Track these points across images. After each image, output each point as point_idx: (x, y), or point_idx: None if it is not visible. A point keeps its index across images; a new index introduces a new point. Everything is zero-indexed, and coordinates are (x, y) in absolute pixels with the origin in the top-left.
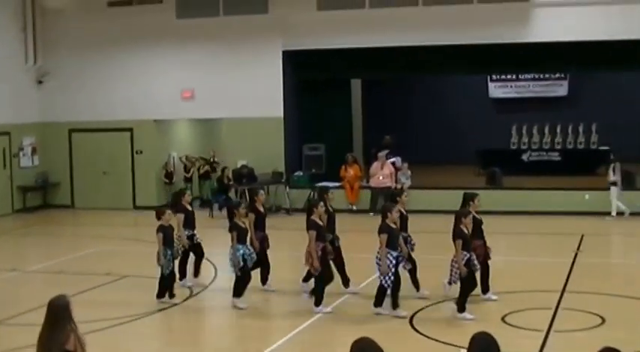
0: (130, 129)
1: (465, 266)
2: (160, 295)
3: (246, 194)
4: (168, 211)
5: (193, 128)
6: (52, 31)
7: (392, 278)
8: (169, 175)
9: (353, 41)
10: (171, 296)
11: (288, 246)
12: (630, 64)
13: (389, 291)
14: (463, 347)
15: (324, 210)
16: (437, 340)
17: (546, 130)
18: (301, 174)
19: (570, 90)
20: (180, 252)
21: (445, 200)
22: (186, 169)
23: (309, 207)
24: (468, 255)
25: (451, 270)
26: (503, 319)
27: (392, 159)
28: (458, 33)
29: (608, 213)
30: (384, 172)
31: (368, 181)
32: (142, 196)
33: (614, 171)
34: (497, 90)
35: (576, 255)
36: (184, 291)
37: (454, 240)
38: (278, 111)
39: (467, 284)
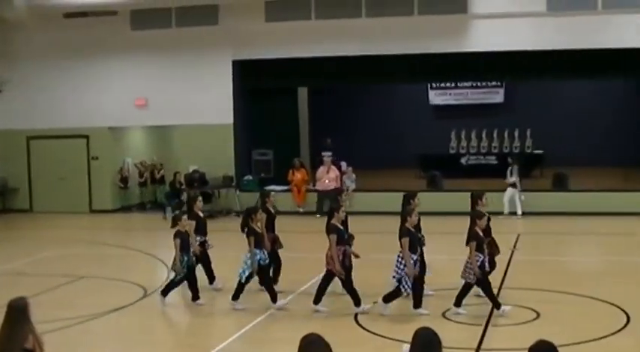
0: (86, 137)
1: (480, 268)
2: (165, 294)
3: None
4: (184, 217)
5: (147, 135)
6: (11, 42)
7: (411, 282)
8: (124, 180)
9: (300, 51)
10: (196, 298)
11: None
12: (562, 72)
13: (405, 294)
14: (406, 342)
15: (195, 215)
16: (381, 336)
17: (484, 135)
18: (251, 178)
19: (506, 98)
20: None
21: (388, 202)
22: (140, 174)
23: (329, 211)
24: (482, 257)
25: (465, 270)
26: (444, 315)
27: (342, 162)
28: (400, 43)
29: (542, 213)
30: (329, 176)
31: (314, 185)
32: (97, 200)
33: (511, 173)
34: (437, 97)
35: (512, 252)
36: (138, 292)
37: (468, 242)
38: (228, 118)
39: (485, 285)
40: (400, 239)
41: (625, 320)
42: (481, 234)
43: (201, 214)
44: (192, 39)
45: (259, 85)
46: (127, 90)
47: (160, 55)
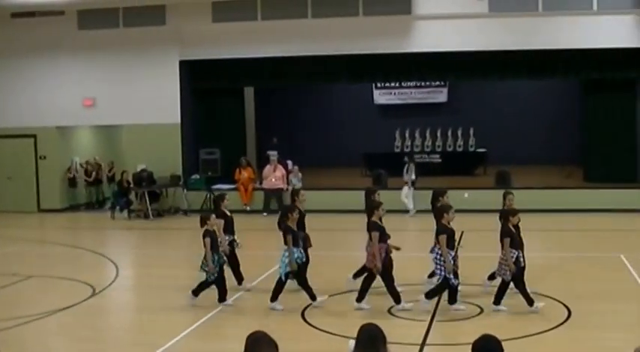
0: (34, 136)
1: (514, 264)
2: (196, 294)
3: (146, 196)
4: (213, 216)
5: (95, 134)
6: None
7: (454, 276)
8: (72, 179)
9: (246, 51)
10: (223, 299)
11: (188, 245)
12: (504, 72)
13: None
14: (352, 338)
15: (223, 214)
16: (327, 331)
17: (428, 134)
18: (198, 177)
19: (449, 97)
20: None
21: (334, 200)
22: (88, 173)
23: (369, 210)
24: (516, 253)
25: (500, 266)
26: (389, 311)
27: (288, 161)
28: (345, 44)
29: (485, 211)
30: (276, 175)
31: (261, 183)
32: (46, 200)
33: (407, 171)
34: (381, 97)
35: (457, 249)
36: (86, 291)
37: (502, 239)
38: (175, 117)
39: (519, 281)
40: (438, 236)
41: (566, 314)
42: (513, 230)
43: (228, 213)
44: (139, 39)
45: (206, 85)
46: (75, 89)
47: (108, 55)
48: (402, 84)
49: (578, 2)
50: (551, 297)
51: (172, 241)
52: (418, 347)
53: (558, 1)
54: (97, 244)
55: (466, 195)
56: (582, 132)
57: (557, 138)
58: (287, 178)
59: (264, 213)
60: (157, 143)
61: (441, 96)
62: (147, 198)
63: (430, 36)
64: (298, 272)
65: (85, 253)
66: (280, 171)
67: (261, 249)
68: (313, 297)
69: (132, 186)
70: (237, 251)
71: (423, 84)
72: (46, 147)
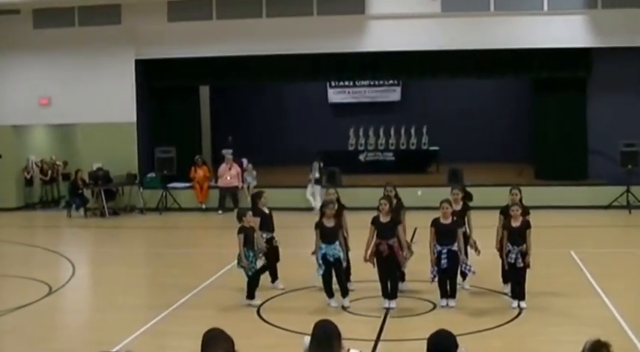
0: None
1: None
2: (250, 296)
3: (102, 195)
4: (249, 213)
5: (51, 133)
6: None
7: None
8: (29, 178)
9: (201, 51)
10: (252, 297)
11: (145, 243)
12: (456, 71)
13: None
14: (306, 334)
15: (260, 211)
16: (282, 328)
17: (381, 132)
18: (154, 175)
19: (403, 96)
20: (260, 255)
21: (288, 198)
22: (44, 172)
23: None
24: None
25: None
26: (344, 307)
27: (243, 159)
28: (299, 43)
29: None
30: (231, 173)
31: (216, 181)
32: (2, 198)
33: (311, 169)
34: (335, 95)
35: (409, 246)
36: (43, 289)
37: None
38: (131, 116)
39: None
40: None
41: (518, 310)
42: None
43: (266, 210)
44: (95, 38)
45: (162, 84)
46: (31, 88)
47: (63, 54)
48: (356, 83)
49: (530, 2)
50: (502, 293)
51: (128, 239)
52: (372, 342)
53: (510, 1)
54: (53, 242)
55: (419, 192)
56: (533, 131)
57: (509, 136)
58: (242, 176)
59: (220, 211)
60: (113, 141)
61: (394, 95)
62: (103, 197)
63: (384, 35)
64: (338, 268)
65: (41, 252)
66: (235, 169)
67: (217, 246)
68: (345, 292)
69: (87, 184)
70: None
71: (376, 83)
72: (2, 146)
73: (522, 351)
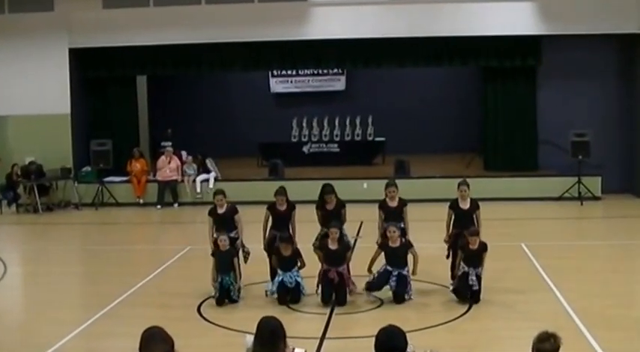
0: None
1: None
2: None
3: (35, 189)
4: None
5: None
6: None
7: None
8: None
9: (138, 39)
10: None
11: (80, 240)
12: (402, 59)
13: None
14: (250, 333)
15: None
16: (224, 327)
17: (325, 123)
18: (89, 169)
19: (347, 85)
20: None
21: (229, 191)
22: None
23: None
24: None
25: None
26: (288, 305)
27: (183, 152)
28: (240, 30)
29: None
30: (170, 166)
31: (155, 175)
32: None
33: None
34: (278, 85)
35: (356, 240)
36: None
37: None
38: (65, 107)
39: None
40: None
41: (468, 305)
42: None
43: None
44: (26, 25)
45: (97, 74)
46: None
47: None
48: (299, 72)
49: None
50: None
51: (63, 236)
52: (318, 340)
53: None
54: None
55: (365, 185)
56: (482, 121)
57: (458, 126)
58: (182, 169)
59: (158, 206)
60: (46, 134)
61: (338, 84)
62: (36, 192)
63: (327, 23)
64: None
65: None
66: (175, 162)
67: (155, 243)
68: None
69: (20, 179)
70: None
71: (320, 72)
72: None
73: (473, 348)
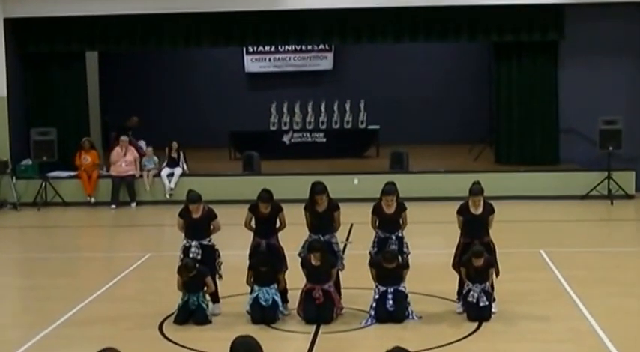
0: None
1: None
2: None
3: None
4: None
5: None
6: None
7: None
8: None
9: (87, 8)
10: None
11: (20, 246)
12: (400, 33)
13: None
14: None
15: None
16: (190, 348)
17: (310, 109)
18: (30, 162)
19: (336, 64)
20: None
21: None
22: None
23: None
24: None
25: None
26: (267, 323)
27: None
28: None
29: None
30: (126, 159)
31: (108, 169)
32: None
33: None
34: (253, 64)
35: (345, 246)
36: None
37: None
38: (1, 90)
39: None
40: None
41: (477, 324)
42: None
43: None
44: None
45: (38, 49)
46: None
47: None
48: (279, 48)
49: None
50: (456, 301)
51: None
52: None
53: None
54: None
55: (356, 181)
56: (494, 106)
57: (464, 112)
58: (140, 163)
59: (113, 205)
60: None
61: (325, 62)
62: None
63: None
64: None
65: None
66: (132, 154)
67: (109, 249)
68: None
69: None
70: None
71: (303, 48)
72: None
73: None
